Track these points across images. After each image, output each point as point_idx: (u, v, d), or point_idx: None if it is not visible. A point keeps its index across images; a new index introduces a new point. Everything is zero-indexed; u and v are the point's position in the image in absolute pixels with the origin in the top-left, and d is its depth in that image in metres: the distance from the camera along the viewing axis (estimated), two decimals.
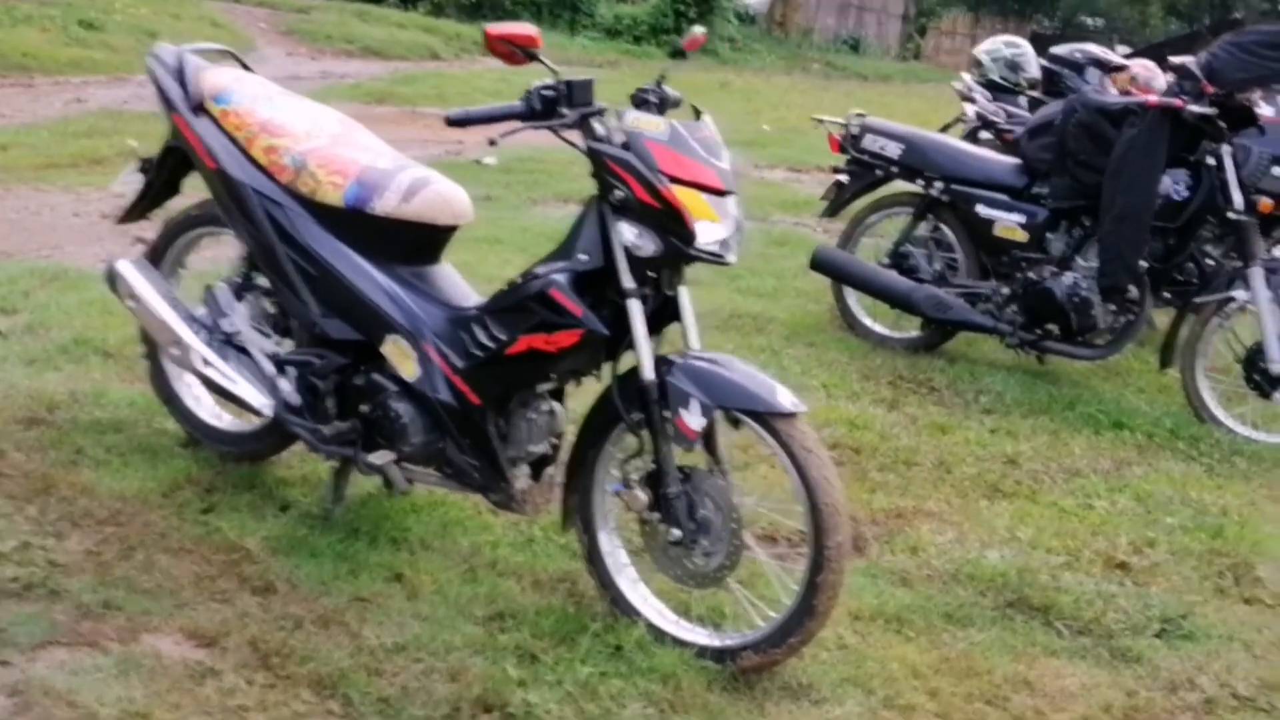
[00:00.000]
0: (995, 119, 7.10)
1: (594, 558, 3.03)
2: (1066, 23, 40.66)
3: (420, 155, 10.36)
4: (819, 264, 5.88)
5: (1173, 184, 5.10)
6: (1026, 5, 38.69)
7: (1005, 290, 5.51)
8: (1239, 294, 5.03)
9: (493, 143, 2.80)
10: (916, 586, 3.46)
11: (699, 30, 3.30)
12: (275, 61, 17.52)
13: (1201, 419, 5.11)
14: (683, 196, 2.72)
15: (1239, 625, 3.44)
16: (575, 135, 2.87)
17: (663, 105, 2.93)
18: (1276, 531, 4.09)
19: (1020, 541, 3.79)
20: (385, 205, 3.11)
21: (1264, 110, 5.01)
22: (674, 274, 2.87)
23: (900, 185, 5.95)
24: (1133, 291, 5.21)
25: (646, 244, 2.76)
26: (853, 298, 5.98)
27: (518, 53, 2.84)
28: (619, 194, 2.75)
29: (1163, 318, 5.68)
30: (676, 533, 2.83)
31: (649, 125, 2.77)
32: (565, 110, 2.82)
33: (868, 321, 5.97)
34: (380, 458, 3.12)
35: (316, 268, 3.17)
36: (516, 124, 2.82)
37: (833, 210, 6.14)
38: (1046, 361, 5.64)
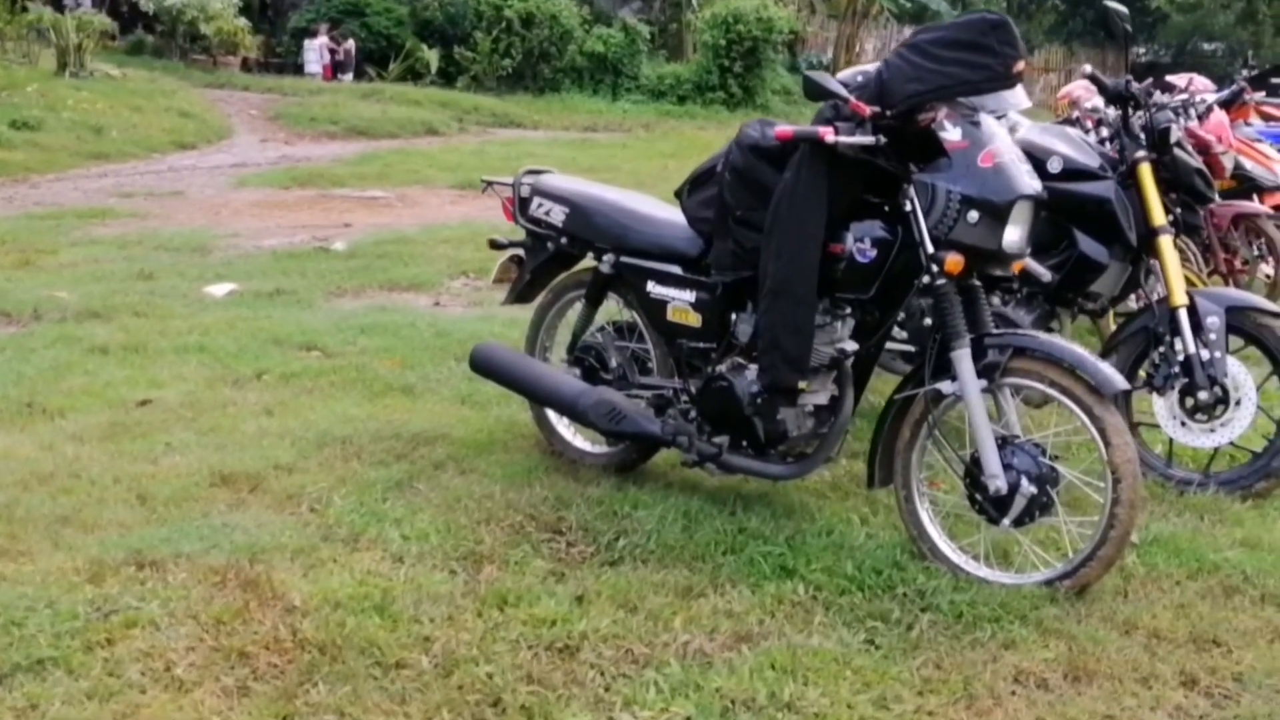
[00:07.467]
0: None
1: None
2: (1181, 49, 38.42)
3: (282, 240, 9.50)
4: (477, 365, 4.65)
5: (855, 242, 3.74)
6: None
7: (689, 390, 4.22)
8: (945, 386, 3.66)
9: None
10: None
11: None
12: (241, 148, 17.08)
13: (922, 553, 3.74)
14: None
15: None
16: None
17: None
18: None
19: None
20: None
21: (949, 134, 3.58)
22: None
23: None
24: (813, 389, 3.88)
25: None
26: None
27: None
28: None
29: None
30: None
31: None
32: None
33: (567, 435, 4.71)
34: None
35: None
36: None
37: (515, 295, 4.84)
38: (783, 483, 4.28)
